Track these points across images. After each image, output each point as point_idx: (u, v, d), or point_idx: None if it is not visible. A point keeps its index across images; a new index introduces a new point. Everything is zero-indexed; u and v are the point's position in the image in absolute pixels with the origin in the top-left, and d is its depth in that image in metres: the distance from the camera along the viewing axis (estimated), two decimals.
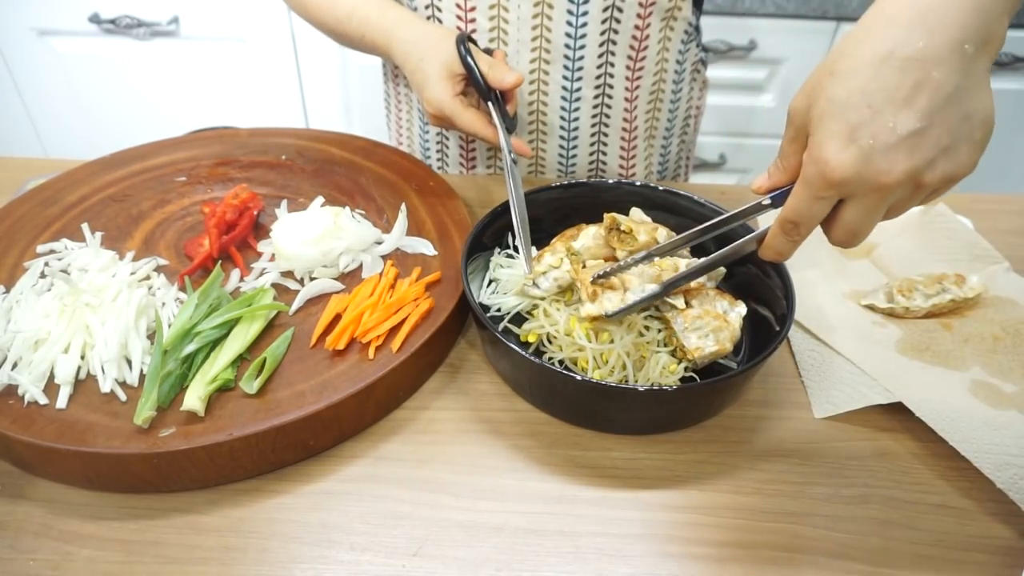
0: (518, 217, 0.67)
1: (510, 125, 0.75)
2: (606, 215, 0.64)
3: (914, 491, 0.54)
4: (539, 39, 0.80)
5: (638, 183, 0.71)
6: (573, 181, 0.72)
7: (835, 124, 0.40)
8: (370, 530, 0.50)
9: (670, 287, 0.55)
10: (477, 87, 0.73)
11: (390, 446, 0.56)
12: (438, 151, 0.95)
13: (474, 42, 0.76)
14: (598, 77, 0.83)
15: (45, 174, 0.81)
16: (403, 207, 0.72)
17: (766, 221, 0.49)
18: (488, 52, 0.78)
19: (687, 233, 0.55)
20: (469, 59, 0.72)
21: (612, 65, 0.82)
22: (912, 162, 0.40)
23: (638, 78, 0.84)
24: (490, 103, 0.73)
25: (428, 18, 0.81)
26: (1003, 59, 1.43)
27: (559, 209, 0.71)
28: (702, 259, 0.54)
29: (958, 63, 0.39)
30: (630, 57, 0.82)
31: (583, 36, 0.79)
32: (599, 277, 0.57)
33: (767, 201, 0.49)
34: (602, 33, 0.79)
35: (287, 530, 0.50)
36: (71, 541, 0.48)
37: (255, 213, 0.72)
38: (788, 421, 0.59)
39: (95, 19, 1.50)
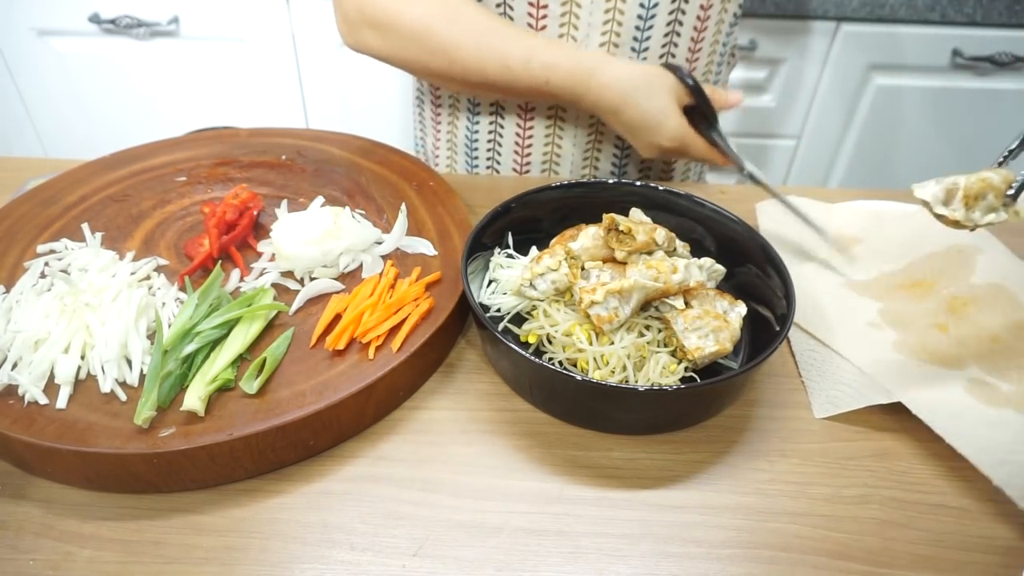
0: (787, 204, 0.75)
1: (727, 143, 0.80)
2: (605, 216, 0.64)
3: (914, 491, 0.54)
4: (611, 22, 0.80)
5: (638, 183, 0.71)
6: (573, 181, 0.72)
7: None
8: (370, 530, 0.50)
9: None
10: (708, 113, 0.78)
11: (390, 446, 0.56)
12: (488, 157, 0.94)
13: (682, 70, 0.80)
14: (661, 57, 0.84)
15: (45, 174, 0.81)
16: (403, 207, 0.72)
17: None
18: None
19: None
20: (701, 87, 0.77)
21: (676, 46, 0.83)
22: None
23: (695, 59, 0.86)
24: (718, 126, 0.79)
25: (498, 6, 0.80)
26: (1003, 59, 1.43)
27: (559, 210, 0.71)
28: None
29: None
30: (692, 39, 0.83)
31: (653, 17, 0.80)
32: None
33: None
34: (670, 13, 0.80)
35: (287, 530, 0.50)
36: (71, 541, 0.48)
37: (255, 213, 0.72)
38: (788, 421, 0.59)
39: (95, 19, 1.50)
